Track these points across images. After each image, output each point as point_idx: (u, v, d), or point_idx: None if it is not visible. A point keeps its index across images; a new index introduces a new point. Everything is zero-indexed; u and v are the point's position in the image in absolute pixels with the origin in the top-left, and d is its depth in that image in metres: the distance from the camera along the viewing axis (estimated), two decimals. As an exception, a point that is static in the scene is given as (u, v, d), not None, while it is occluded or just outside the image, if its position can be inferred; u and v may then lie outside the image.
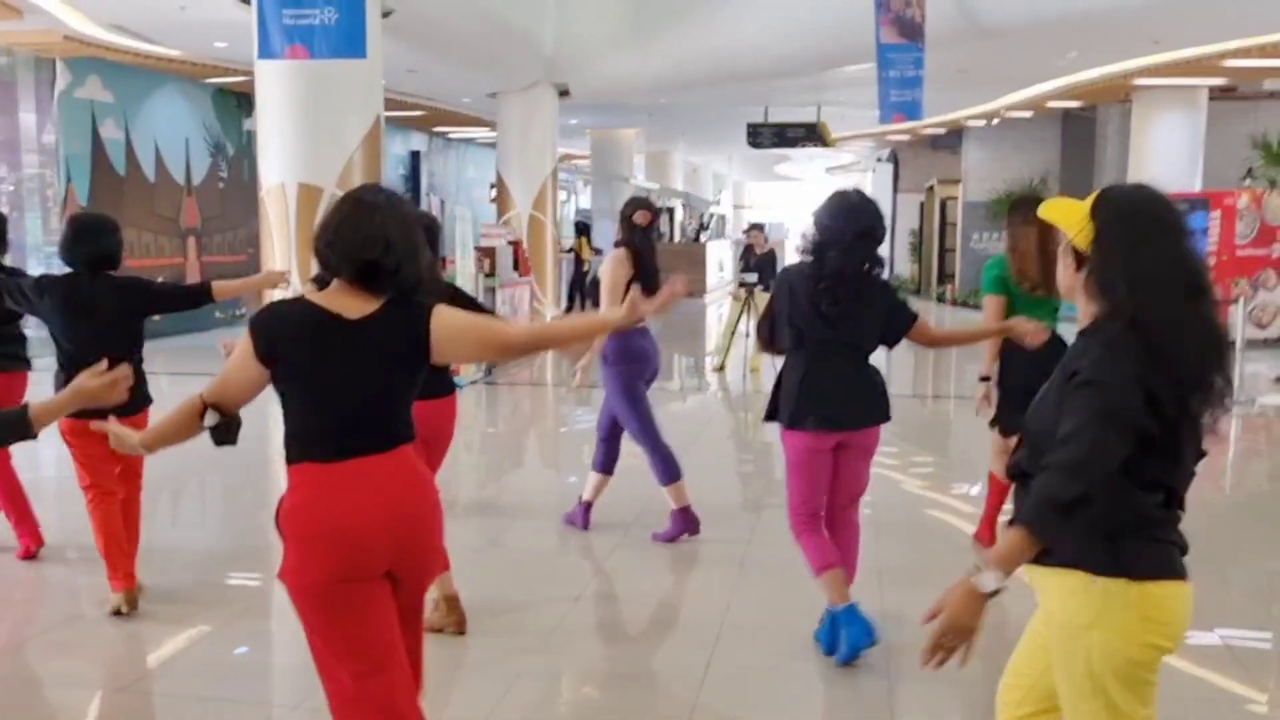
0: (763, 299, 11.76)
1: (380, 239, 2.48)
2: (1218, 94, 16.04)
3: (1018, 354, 4.89)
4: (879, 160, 31.06)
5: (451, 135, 22.98)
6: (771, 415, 4.05)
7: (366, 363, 2.53)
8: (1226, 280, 13.08)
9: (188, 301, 4.71)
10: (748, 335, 11.70)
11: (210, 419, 2.56)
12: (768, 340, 4.15)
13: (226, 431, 2.59)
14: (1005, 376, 5.11)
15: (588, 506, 5.72)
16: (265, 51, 7.89)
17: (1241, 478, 7.71)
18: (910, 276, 26.88)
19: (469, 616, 4.26)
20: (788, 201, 46.65)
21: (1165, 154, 15.60)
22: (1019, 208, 5.30)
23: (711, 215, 30.95)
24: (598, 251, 18.57)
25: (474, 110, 18.83)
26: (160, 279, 4.33)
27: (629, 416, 5.48)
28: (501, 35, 13.74)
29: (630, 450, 5.67)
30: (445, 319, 2.59)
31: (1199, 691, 3.84)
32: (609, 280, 5.37)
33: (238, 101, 16.25)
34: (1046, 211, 2.34)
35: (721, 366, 11.91)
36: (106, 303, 4.38)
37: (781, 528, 4.31)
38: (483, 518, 6.29)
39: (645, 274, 5.33)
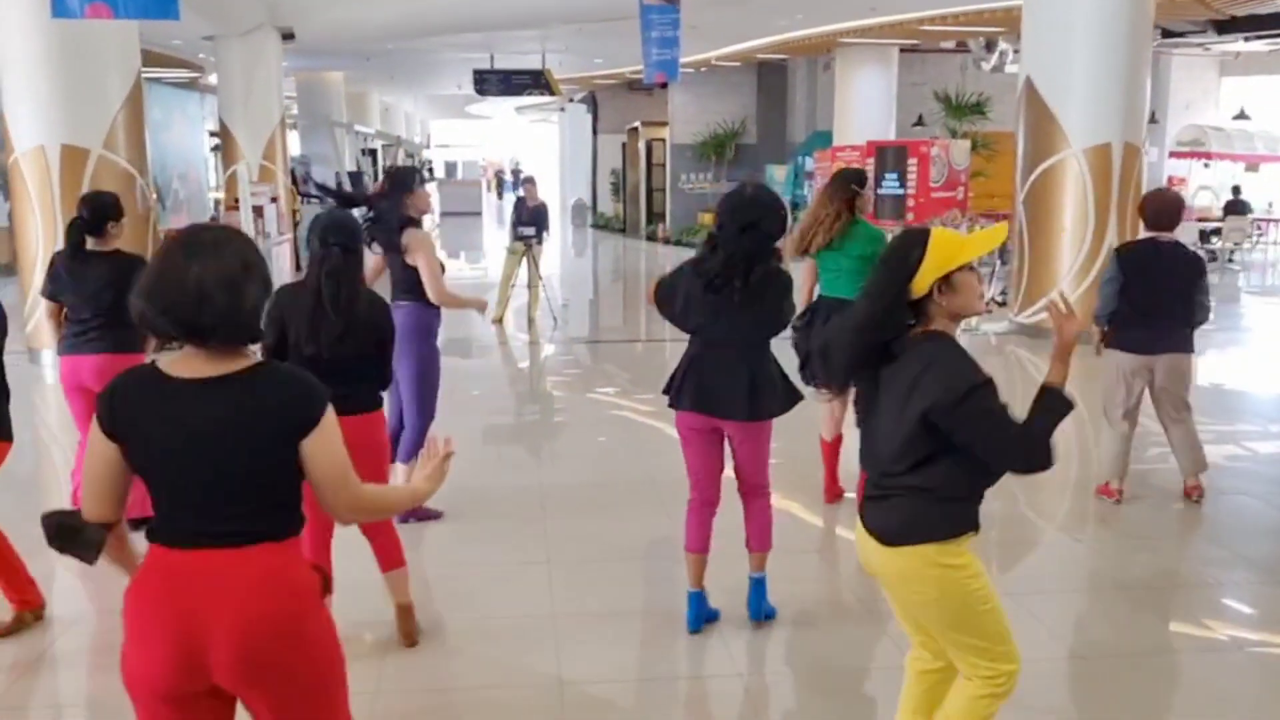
0: (538, 251, 12.27)
1: (193, 293, 2.07)
2: (904, 50, 17.96)
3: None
4: (570, 100, 31.81)
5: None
6: (666, 391, 4.28)
7: (208, 435, 2.13)
8: (924, 220, 14.92)
9: None
10: (530, 287, 12.11)
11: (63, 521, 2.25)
12: (660, 301, 4.25)
13: (73, 536, 2.24)
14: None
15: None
16: (61, 10, 7.29)
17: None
18: (614, 215, 27.97)
19: None
20: (478, 140, 46.59)
21: (864, 106, 17.34)
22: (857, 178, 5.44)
23: (428, 161, 30.50)
24: (325, 200, 18.08)
25: (182, 53, 17.65)
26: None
27: (428, 398, 5.35)
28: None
29: None
30: (323, 438, 2.19)
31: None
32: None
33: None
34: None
35: (500, 319, 12.22)
36: None
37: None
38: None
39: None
